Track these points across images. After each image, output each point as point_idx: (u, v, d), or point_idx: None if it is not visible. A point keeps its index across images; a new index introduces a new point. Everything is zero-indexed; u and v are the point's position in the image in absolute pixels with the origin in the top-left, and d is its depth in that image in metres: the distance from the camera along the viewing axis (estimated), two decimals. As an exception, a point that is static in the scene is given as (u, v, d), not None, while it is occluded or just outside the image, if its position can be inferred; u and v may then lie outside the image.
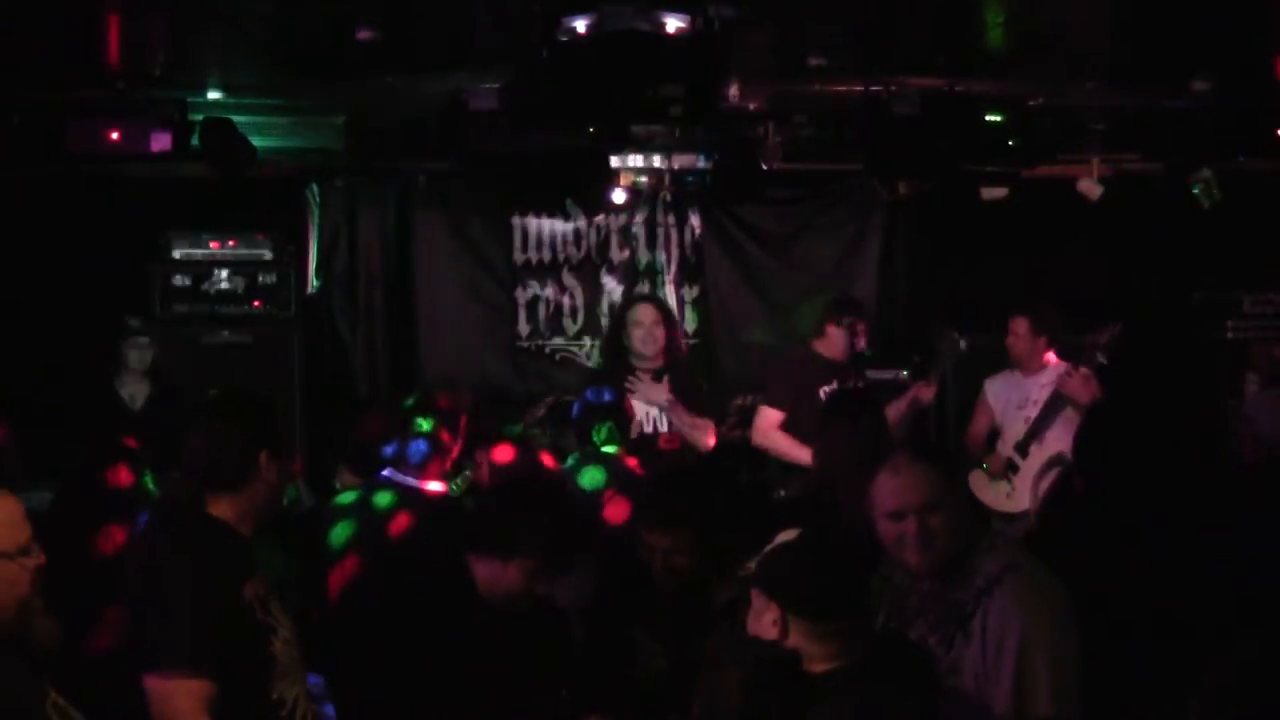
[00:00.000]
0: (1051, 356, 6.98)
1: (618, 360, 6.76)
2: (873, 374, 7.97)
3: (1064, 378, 6.68)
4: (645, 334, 6.63)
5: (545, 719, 3.76)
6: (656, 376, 6.61)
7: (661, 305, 7.04)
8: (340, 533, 4.91)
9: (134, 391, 7.44)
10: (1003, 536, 3.41)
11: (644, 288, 9.00)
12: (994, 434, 7.04)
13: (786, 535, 3.02)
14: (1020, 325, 7.03)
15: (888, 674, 2.87)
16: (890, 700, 2.83)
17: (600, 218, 9.03)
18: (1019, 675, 3.09)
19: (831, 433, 4.90)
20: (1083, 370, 6.62)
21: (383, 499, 4.97)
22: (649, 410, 6.52)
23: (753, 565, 2.97)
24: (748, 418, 8.13)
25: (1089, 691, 3.37)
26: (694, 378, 7.09)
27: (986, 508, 6.77)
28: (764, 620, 2.90)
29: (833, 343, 6.75)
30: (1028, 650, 3.10)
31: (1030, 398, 6.86)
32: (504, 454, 5.35)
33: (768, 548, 2.98)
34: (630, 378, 6.55)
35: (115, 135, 6.62)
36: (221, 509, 3.31)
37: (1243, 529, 4.32)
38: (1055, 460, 6.55)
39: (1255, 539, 4.23)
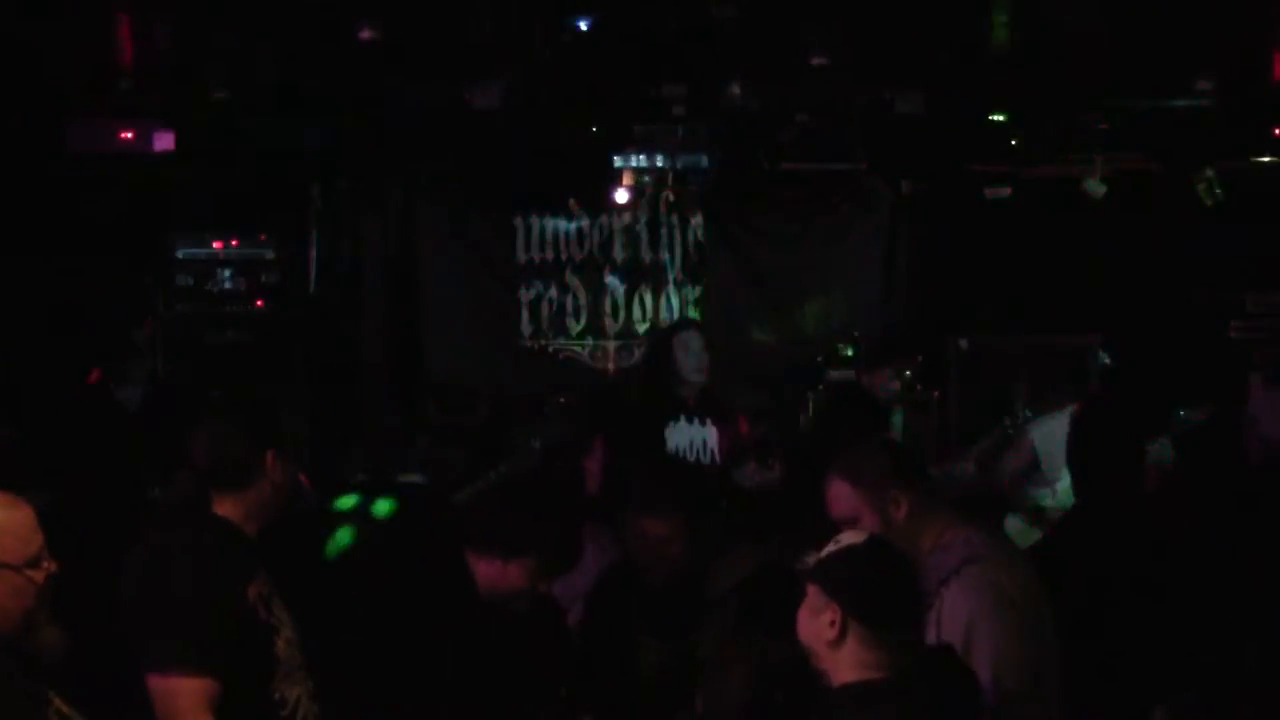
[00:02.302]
0: None
1: (665, 391, 6.14)
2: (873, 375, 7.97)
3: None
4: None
5: (544, 718, 3.76)
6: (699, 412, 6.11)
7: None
8: (340, 538, 4.91)
9: (130, 394, 7.42)
10: (979, 526, 3.42)
11: (647, 287, 9.01)
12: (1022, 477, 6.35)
13: (851, 536, 2.99)
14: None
15: (922, 690, 2.84)
16: (928, 715, 2.80)
17: (603, 217, 9.03)
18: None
19: (817, 434, 4.90)
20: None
21: (383, 506, 4.96)
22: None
23: (812, 561, 2.93)
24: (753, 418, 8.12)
25: (1091, 693, 3.38)
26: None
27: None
28: (820, 619, 2.84)
29: None
30: (972, 638, 3.18)
31: None
32: None
33: (831, 546, 2.95)
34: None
35: (118, 135, 6.63)
36: (227, 509, 3.31)
37: (1250, 530, 4.32)
38: None
39: (1262, 540, 4.23)
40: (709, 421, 6.10)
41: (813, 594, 2.88)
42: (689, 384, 6.15)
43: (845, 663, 2.82)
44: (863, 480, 3.36)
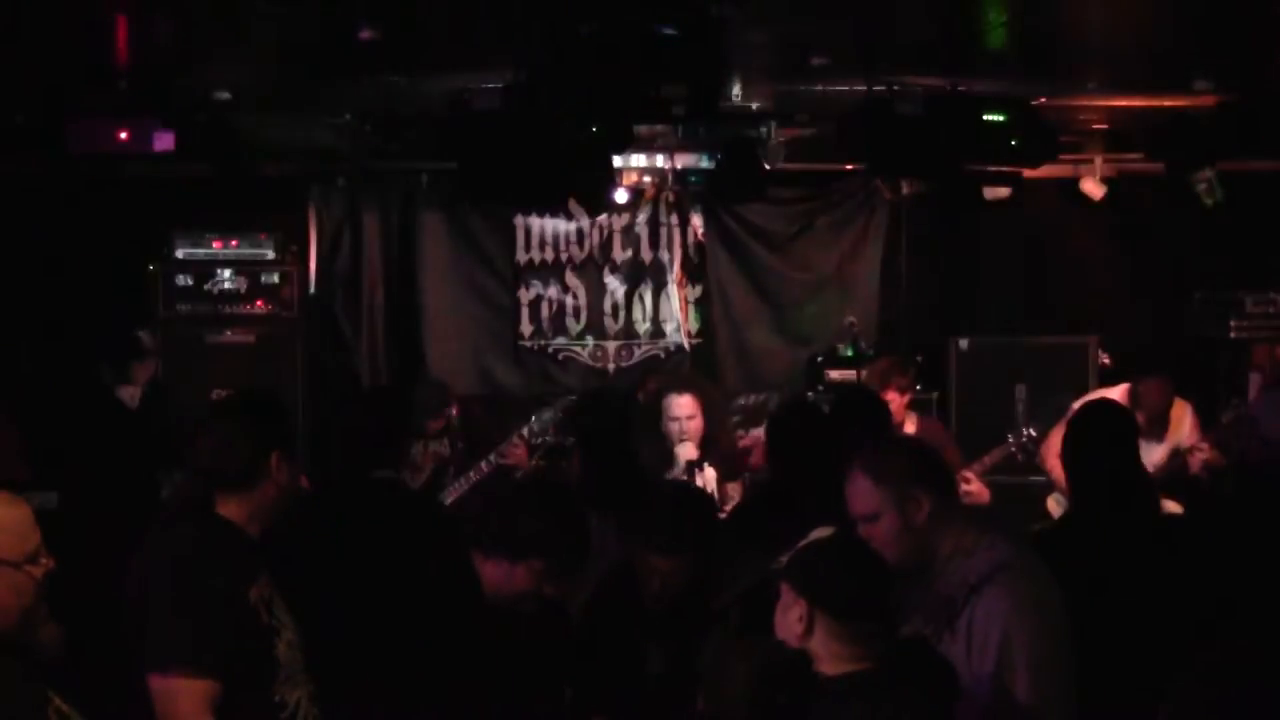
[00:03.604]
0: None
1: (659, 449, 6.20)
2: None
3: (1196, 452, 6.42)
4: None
5: (549, 719, 3.76)
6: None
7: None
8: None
9: (132, 392, 7.41)
10: (1002, 534, 3.40)
11: (647, 287, 9.01)
12: None
13: (820, 533, 3.00)
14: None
15: (908, 680, 2.84)
16: (908, 707, 2.81)
17: (603, 217, 9.04)
18: (999, 672, 3.12)
19: (784, 443, 4.89)
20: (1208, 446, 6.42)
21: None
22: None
23: (784, 560, 2.94)
24: (753, 417, 8.13)
25: (1094, 693, 3.38)
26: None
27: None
28: (790, 615, 2.87)
29: None
30: (1009, 647, 3.13)
31: (1151, 459, 6.16)
32: None
33: (801, 544, 2.96)
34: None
35: (118, 134, 6.62)
36: (230, 509, 3.31)
37: (1251, 529, 4.33)
38: None
39: (1263, 539, 4.23)
40: (706, 466, 6.13)
41: (784, 592, 2.91)
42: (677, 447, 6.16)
43: (822, 657, 2.85)
44: (884, 477, 3.30)
